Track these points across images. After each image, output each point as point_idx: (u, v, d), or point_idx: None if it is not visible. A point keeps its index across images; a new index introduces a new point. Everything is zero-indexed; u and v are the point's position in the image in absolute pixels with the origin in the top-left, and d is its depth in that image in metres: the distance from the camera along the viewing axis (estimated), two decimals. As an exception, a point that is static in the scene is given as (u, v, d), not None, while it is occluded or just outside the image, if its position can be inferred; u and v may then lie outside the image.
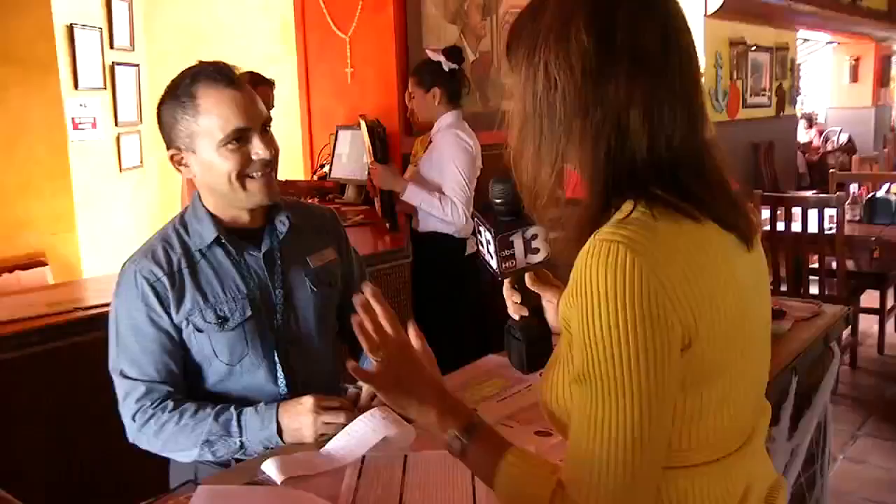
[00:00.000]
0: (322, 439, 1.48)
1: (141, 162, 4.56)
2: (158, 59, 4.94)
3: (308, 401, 1.51)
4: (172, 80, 1.57)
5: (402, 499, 1.28)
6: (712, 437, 0.92)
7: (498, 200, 1.17)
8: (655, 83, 0.90)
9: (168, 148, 1.59)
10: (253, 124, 1.54)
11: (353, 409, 1.54)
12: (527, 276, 1.22)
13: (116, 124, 4.28)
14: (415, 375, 1.10)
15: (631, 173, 0.91)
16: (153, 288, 1.56)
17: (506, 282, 1.23)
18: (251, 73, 3.36)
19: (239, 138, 1.53)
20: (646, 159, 0.91)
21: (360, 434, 1.43)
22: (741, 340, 0.93)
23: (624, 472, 0.85)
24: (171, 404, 1.55)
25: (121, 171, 4.34)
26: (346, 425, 1.47)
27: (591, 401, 0.87)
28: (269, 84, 3.56)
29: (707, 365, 0.89)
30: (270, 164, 1.57)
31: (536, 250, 1.18)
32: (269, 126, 1.60)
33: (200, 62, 1.57)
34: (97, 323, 1.59)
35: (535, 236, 1.17)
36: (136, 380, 1.56)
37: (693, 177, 0.92)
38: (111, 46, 4.23)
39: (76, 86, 3.91)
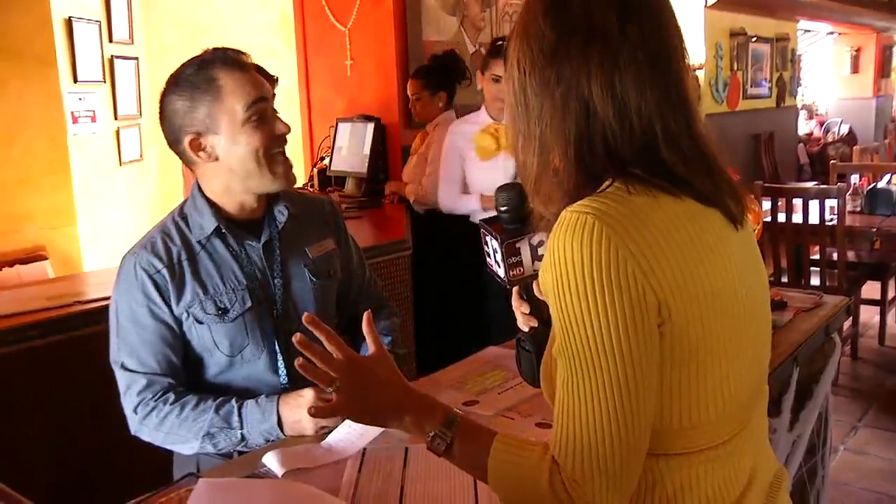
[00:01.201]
0: (322, 432, 1.48)
1: (141, 155, 4.55)
2: (157, 52, 4.95)
3: (309, 393, 1.51)
4: (179, 69, 1.57)
5: (403, 491, 1.28)
6: (713, 415, 0.92)
7: (503, 208, 1.18)
8: (612, 54, 0.91)
9: (181, 137, 1.56)
10: (268, 96, 1.59)
11: None
12: (535, 284, 1.20)
13: (116, 118, 4.27)
14: (377, 389, 1.08)
15: (609, 152, 0.92)
16: (153, 280, 1.57)
17: (514, 292, 1.23)
18: (256, 67, 3.37)
19: (260, 114, 1.56)
20: (618, 133, 0.91)
21: (361, 426, 1.43)
22: (732, 318, 0.93)
23: (611, 440, 0.85)
24: (172, 396, 1.56)
25: (120, 164, 4.34)
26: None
27: (570, 372, 0.87)
28: (272, 81, 3.56)
29: (694, 341, 0.89)
30: (286, 142, 1.62)
31: (542, 256, 1.15)
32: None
33: (213, 49, 1.59)
34: (97, 317, 1.59)
35: (541, 243, 1.18)
36: (136, 372, 1.57)
37: (672, 150, 0.92)
38: (110, 40, 4.22)
39: (75, 79, 3.90)
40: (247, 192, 1.62)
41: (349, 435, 1.43)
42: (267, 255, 1.65)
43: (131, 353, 1.57)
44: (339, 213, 1.86)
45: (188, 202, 1.66)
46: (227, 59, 1.55)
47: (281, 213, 1.68)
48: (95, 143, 4.10)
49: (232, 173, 1.59)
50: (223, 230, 1.61)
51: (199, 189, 1.64)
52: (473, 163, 3.15)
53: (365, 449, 1.41)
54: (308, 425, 1.50)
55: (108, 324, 1.62)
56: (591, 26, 0.92)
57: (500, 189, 1.19)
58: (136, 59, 4.47)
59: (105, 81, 4.17)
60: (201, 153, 1.57)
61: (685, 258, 0.88)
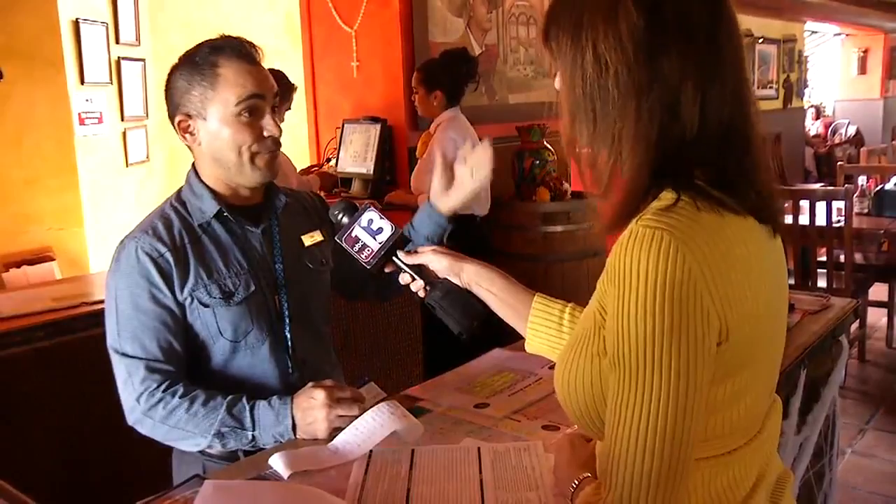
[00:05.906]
0: (333, 434, 1.47)
1: (147, 156, 4.56)
2: (164, 54, 4.93)
3: (320, 395, 1.49)
4: (191, 49, 1.58)
5: (410, 493, 1.28)
6: (727, 429, 0.92)
7: (337, 214, 1.40)
8: (706, 57, 0.88)
9: (175, 114, 1.58)
10: (267, 94, 1.57)
11: (365, 399, 1.53)
12: (400, 253, 1.36)
13: (123, 119, 4.28)
14: None
15: (678, 153, 0.89)
16: (156, 264, 1.54)
17: (401, 276, 1.36)
18: (276, 72, 3.38)
19: (252, 111, 1.55)
20: (696, 136, 0.89)
21: (368, 429, 1.42)
22: (768, 333, 0.93)
23: (652, 459, 0.83)
24: (181, 389, 1.52)
25: (127, 165, 4.34)
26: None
27: (621, 386, 0.85)
28: (291, 88, 3.59)
29: (737, 358, 0.88)
30: (277, 143, 1.60)
31: (380, 229, 1.36)
32: (277, 106, 1.62)
33: (226, 36, 1.58)
34: (103, 318, 1.58)
35: (371, 220, 1.37)
36: (137, 358, 1.53)
37: (741, 156, 0.91)
38: (117, 41, 4.22)
39: (82, 81, 3.91)
40: (233, 180, 1.62)
41: (355, 437, 1.43)
42: (266, 241, 1.66)
43: (133, 340, 1.53)
44: (327, 208, 1.87)
45: (185, 189, 1.65)
46: (235, 49, 1.55)
47: (279, 201, 1.69)
48: (102, 144, 4.11)
49: (215, 162, 1.60)
50: (225, 213, 1.61)
51: (196, 174, 1.64)
52: None
53: (371, 451, 1.41)
54: (321, 426, 1.48)
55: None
56: (687, 23, 0.88)
57: (332, 209, 1.43)
58: (143, 60, 4.48)
59: (112, 83, 4.18)
60: (188, 135, 1.59)
61: (743, 278, 0.87)
